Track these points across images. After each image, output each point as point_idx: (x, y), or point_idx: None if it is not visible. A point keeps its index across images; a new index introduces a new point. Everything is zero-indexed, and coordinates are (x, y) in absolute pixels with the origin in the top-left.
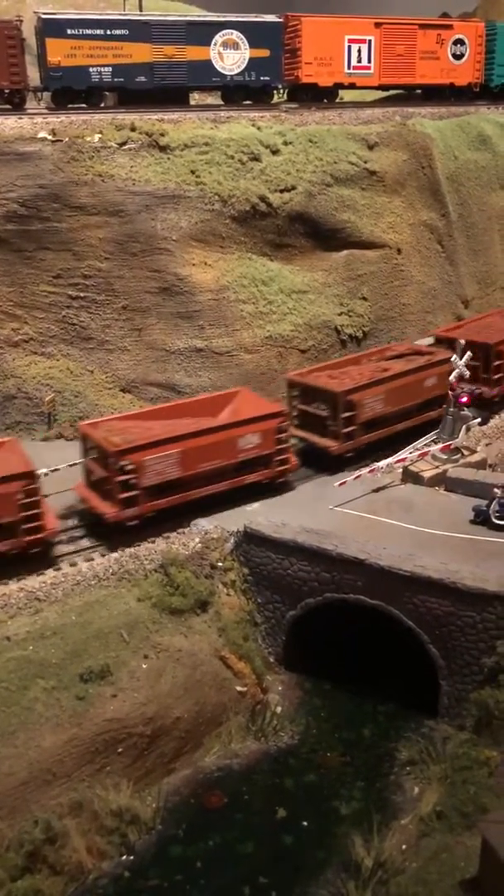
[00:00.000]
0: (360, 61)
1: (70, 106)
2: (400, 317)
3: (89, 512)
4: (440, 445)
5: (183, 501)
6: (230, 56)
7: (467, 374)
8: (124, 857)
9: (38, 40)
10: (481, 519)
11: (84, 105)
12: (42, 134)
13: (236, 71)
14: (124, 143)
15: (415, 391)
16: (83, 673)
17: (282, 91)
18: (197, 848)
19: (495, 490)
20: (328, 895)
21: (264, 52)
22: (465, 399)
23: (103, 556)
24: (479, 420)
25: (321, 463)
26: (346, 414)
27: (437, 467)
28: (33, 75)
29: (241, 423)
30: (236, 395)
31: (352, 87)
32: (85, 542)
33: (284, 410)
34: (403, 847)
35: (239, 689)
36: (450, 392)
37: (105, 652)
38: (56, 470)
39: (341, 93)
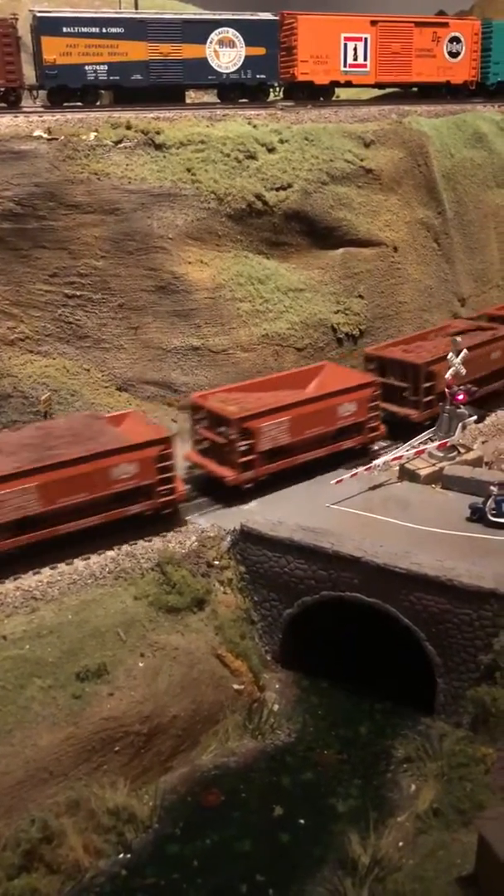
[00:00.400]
0: (356, 59)
1: (66, 104)
2: (396, 315)
3: (206, 476)
4: (436, 443)
5: (290, 466)
6: (226, 54)
7: (464, 371)
8: (121, 856)
9: (34, 38)
10: (477, 516)
11: (80, 103)
12: (38, 132)
13: (232, 69)
14: (120, 142)
15: (484, 363)
16: (80, 671)
17: (278, 89)
18: (194, 846)
19: (491, 487)
20: (325, 893)
21: (260, 51)
22: (461, 397)
23: (99, 554)
24: (475, 418)
25: (402, 429)
26: (427, 384)
27: (433, 465)
28: (29, 73)
29: (341, 392)
30: (322, 369)
31: (348, 85)
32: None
33: (376, 381)
34: (400, 844)
35: (236, 687)
36: (446, 390)
37: (102, 650)
38: None
39: (337, 91)
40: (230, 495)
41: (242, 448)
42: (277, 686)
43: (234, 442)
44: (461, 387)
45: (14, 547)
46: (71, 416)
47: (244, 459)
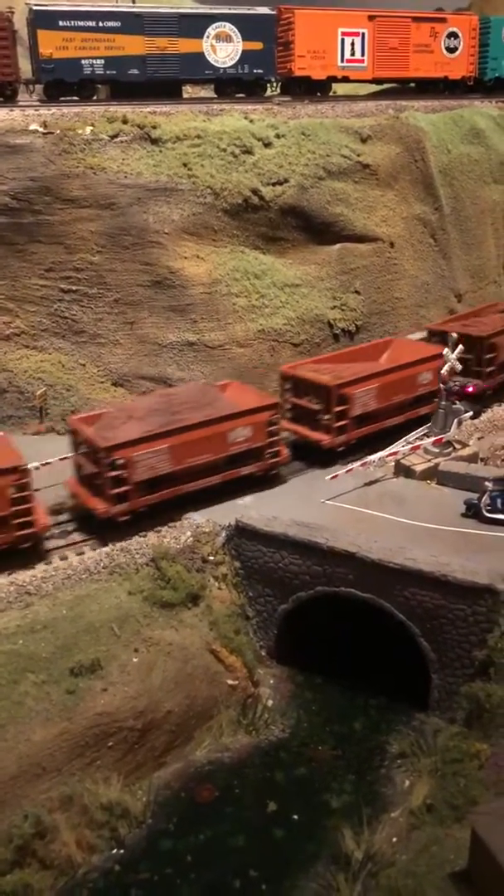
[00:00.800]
0: (353, 54)
1: (62, 98)
2: (393, 310)
3: (300, 441)
4: (432, 439)
5: (378, 430)
6: (223, 49)
7: (459, 367)
8: (114, 851)
9: (30, 32)
10: (472, 512)
11: (76, 97)
12: (33, 126)
13: (229, 64)
14: (116, 136)
15: None
16: (74, 667)
17: (275, 84)
18: (187, 842)
19: (486, 483)
20: (318, 888)
21: (257, 45)
22: (470, 389)
23: (94, 549)
24: (470, 414)
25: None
26: (489, 356)
27: (428, 461)
28: (25, 67)
29: (420, 362)
30: (391, 344)
31: (345, 80)
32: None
33: (441, 354)
34: (394, 840)
35: (230, 682)
36: (441, 385)
37: (96, 646)
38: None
39: (334, 86)
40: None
41: (340, 412)
42: (272, 681)
43: (331, 407)
44: (458, 382)
45: (145, 505)
46: (189, 384)
47: (339, 424)
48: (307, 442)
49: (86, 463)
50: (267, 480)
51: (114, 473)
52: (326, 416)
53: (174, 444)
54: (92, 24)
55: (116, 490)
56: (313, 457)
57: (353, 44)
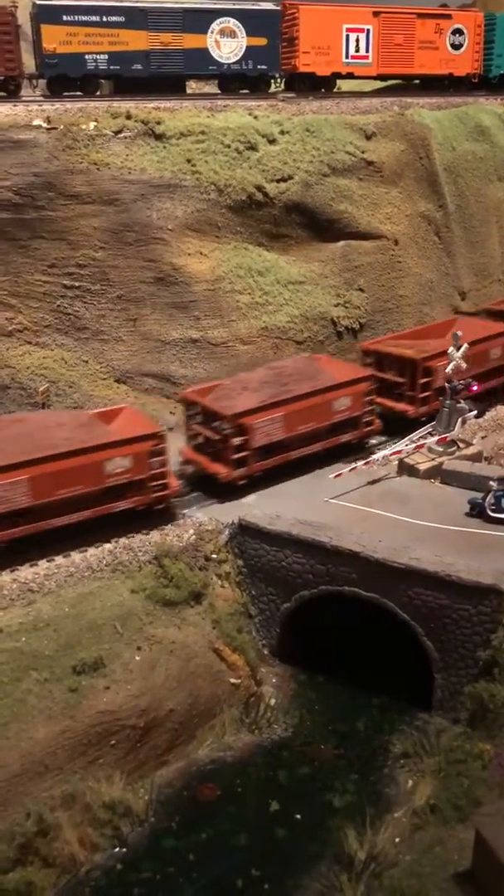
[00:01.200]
0: (358, 51)
1: (65, 94)
2: (396, 308)
3: (387, 412)
4: (436, 438)
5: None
6: (227, 44)
7: (464, 366)
8: (117, 850)
9: (34, 26)
10: (477, 511)
11: (79, 93)
12: (37, 121)
13: (233, 59)
14: (120, 132)
15: None
16: (76, 665)
17: (279, 80)
18: (190, 840)
19: (491, 483)
20: (321, 888)
21: (261, 41)
22: (475, 388)
23: (97, 547)
24: (475, 413)
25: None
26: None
27: (432, 460)
28: (28, 62)
29: (490, 339)
30: (455, 321)
31: (350, 76)
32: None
33: None
34: (397, 840)
35: (232, 681)
36: (446, 384)
37: (98, 644)
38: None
39: (339, 82)
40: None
41: (424, 384)
42: (274, 680)
43: (417, 379)
44: (463, 381)
45: (260, 469)
46: (294, 358)
47: (423, 395)
48: (392, 413)
49: (204, 431)
50: (361, 448)
51: (237, 440)
52: (410, 389)
53: (287, 413)
54: (96, 18)
55: (237, 455)
56: (394, 426)
57: (357, 40)
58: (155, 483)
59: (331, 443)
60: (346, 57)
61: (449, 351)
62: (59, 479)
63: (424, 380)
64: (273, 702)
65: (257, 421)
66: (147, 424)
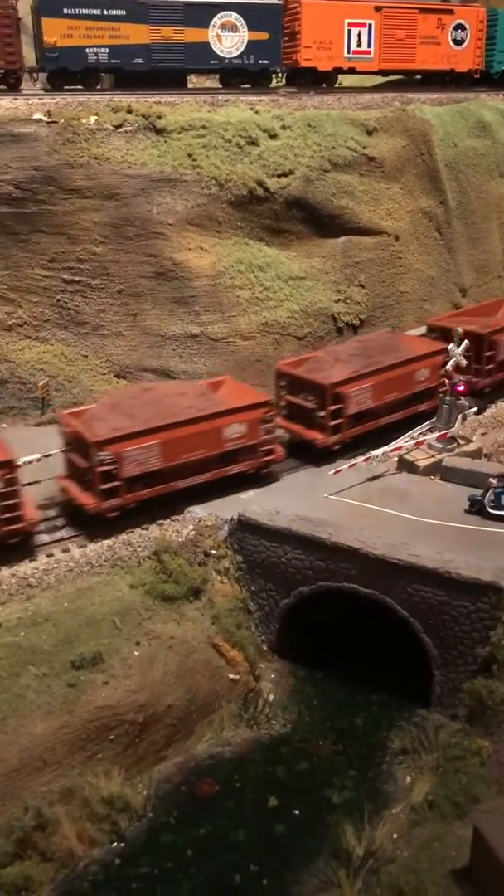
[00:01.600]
0: (359, 46)
1: (66, 87)
2: (397, 304)
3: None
4: (436, 434)
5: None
6: (228, 39)
7: (464, 363)
8: (115, 845)
9: (34, 20)
10: (476, 508)
11: (80, 86)
12: (37, 115)
13: (235, 54)
14: (120, 126)
15: None
16: (75, 660)
17: (280, 75)
18: (188, 835)
19: (490, 479)
20: (319, 883)
21: (263, 35)
22: (461, 388)
23: (95, 542)
24: (475, 409)
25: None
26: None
27: (432, 456)
28: (29, 56)
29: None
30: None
31: (351, 71)
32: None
33: None
34: (395, 836)
35: (231, 676)
36: (446, 381)
37: (97, 639)
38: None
39: (340, 77)
40: None
41: (488, 356)
42: (273, 676)
43: (482, 354)
44: (461, 378)
45: (353, 437)
46: (377, 332)
47: (488, 367)
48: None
49: (296, 400)
50: (431, 416)
51: (334, 407)
52: (477, 364)
53: (376, 383)
54: (97, 12)
55: (334, 422)
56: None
57: (359, 35)
58: (263, 448)
59: (411, 411)
60: (348, 52)
61: (449, 348)
62: (186, 444)
63: (489, 353)
64: (272, 697)
65: (352, 390)
66: (251, 394)
